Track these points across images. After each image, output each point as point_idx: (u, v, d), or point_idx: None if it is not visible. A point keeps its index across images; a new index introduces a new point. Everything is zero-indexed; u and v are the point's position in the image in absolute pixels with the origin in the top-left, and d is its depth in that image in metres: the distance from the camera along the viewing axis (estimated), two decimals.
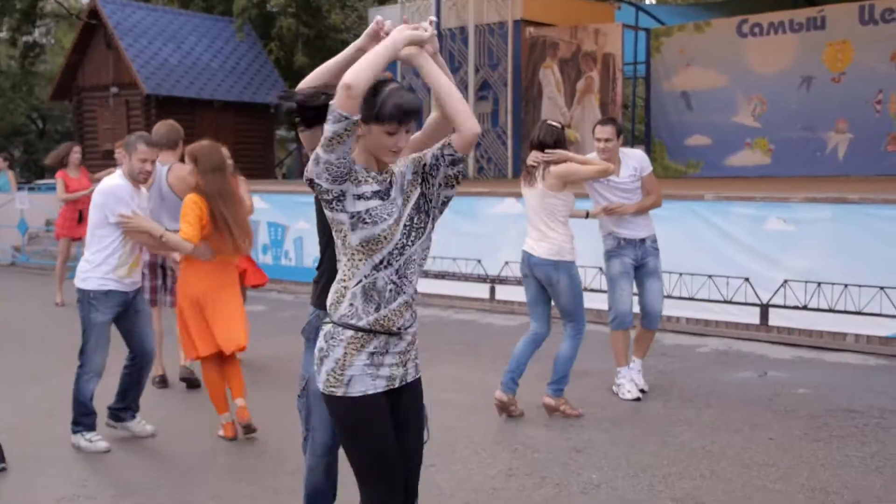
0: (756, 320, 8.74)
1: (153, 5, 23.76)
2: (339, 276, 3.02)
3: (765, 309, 8.68)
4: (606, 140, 6.42)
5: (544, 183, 6.08)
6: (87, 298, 5.57)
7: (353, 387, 3.01)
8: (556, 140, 6.09)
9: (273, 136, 25.40)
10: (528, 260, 6.23)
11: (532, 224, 6.25)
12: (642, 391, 6.75)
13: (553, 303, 6.29)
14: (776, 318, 8.62)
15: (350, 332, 2.98)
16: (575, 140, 15.82)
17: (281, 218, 12.61)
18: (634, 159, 6.67)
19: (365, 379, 3.02)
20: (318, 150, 2.85)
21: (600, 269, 9.54)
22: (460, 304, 10.97)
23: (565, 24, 17.63)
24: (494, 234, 10.73)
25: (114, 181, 5.63)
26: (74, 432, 5.72)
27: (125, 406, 5.91)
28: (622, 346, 6.75)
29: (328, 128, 2.83)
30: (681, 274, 9.01)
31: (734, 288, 8.84)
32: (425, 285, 11.31)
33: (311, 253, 12.16)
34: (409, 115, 2.99)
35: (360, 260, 2.97)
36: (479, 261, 10.86)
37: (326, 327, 3.03)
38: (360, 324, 2.98)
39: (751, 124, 16.55)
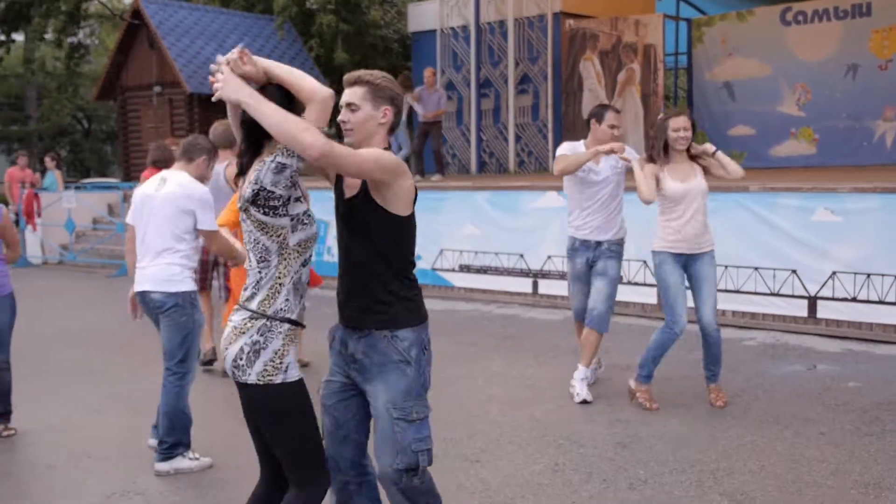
0: (804, 313, 8.62)
1: (195, 5, 23.95)
2: (272, 275, 3.18)
3: (813, 301, 8.56)
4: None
5: None
6: (188, 300, 5.30)
7: (290, 373, 3.21)
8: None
9: None
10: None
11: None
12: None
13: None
14: (824, 311, 8.50)
15: (287, 325, 3.19)
16: None
17: (322, 214, 12.64)
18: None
19: (295, 366, 3.24)
20: (286, 160, 3.06)
21: (644, 262, 9.47)
22: (503, 298, 10.95)
23: (605, 15, 17.50)
24: (537, 228, 10.69)
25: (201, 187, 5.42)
26: (172, 457, 5.23)
27: None
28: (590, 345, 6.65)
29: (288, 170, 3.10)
30: (726, 266, 8.91)
31: (781, 280, 8.72)
32: (468, 280, 11.32)
33: None
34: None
35: (294, 259, 3.20)
36: (521, 255, 10.82)
37: (258, 322, 3.17)
38: (293, 317, 3.22)
39: (795, 114, 16.31)
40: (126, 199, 16.96)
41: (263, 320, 3.16)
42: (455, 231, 11.46)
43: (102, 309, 11.27)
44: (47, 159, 18.41)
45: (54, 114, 35.26)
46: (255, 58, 3.11)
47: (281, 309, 3.18)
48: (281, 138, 3.01)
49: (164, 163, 10.28)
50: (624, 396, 6.52)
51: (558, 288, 10.49)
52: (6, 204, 17.27)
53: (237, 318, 3.22)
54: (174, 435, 5.23)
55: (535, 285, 10.74)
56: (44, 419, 6.37)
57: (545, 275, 10.63)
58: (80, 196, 17.64)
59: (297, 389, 3.22)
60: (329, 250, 12.61)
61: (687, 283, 6.24)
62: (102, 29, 33.29)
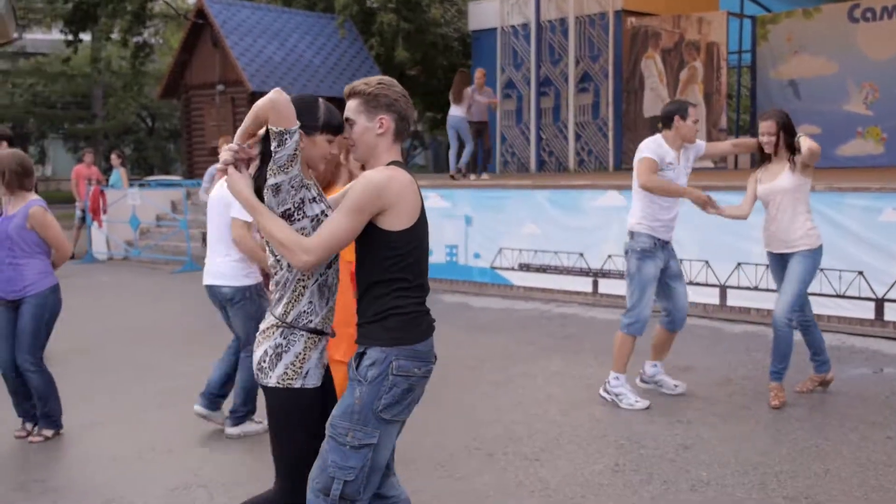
0: (871, 315, 8.44)
1: (257, 4, 24.21)
2: (295, 276, 3.21)
3: (880, 303, 8.38)
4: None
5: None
6: (255, 293, 5.70)
7: (309, 380, 3.23)
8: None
9: None
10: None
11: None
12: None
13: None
14: (892, 313, 8.31)
15: (309, 329, 3.22)
16: None
17: None
18: (692, 149, 6.54)
19: (317, 373, 3.25)
20: (276, 178, 3.08)
21: (706, 262, 9.36)
22: (562, 297, 10.89)
23: (667, 13, 17.34)
24: (597, 227, 10.62)
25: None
26: (242, 422, 5.84)
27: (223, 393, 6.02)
28: (629, 353, 6.47)
29: (285, 151, 3.06)
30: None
31: (847, 282, 8.55)
32: (527, 279, 11.29)
33: None
34: (342, 127, 3.28)
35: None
36: (581, 254, 10.76)
37: (280, 329, 3.22)
38: (316, 320, 3.24)
39: (862, 112, 16.00)
40: (189, 196, 17.22)
41: (284, 326, 3.22)
42: (515, 230, 11.44)
43: (166, 304, 11.45)
44: (113, 157, 18.75)
45: (119, 112, 35.97)
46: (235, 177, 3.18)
47: (303, 312, 3.22)
48: (279, 250, 3.12)
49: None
50: (684, 398, 6.44)
51: (618, 287, 10.40)
52: (73, 200, 17.64)
53: (265, 323, 3.28)
54: (249, 404, 5.81)
55: (595, 284, 10.68)
56: (109, 412, 6.49)
57: (605, 274, 10.55)
58: (145, 193, 17.95)
59: (313, 397, 3.25)
60: None
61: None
62: (167, 28, 33.80)
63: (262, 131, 3.15)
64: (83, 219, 17.12)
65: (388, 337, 3.15)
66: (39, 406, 5.92)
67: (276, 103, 3.03)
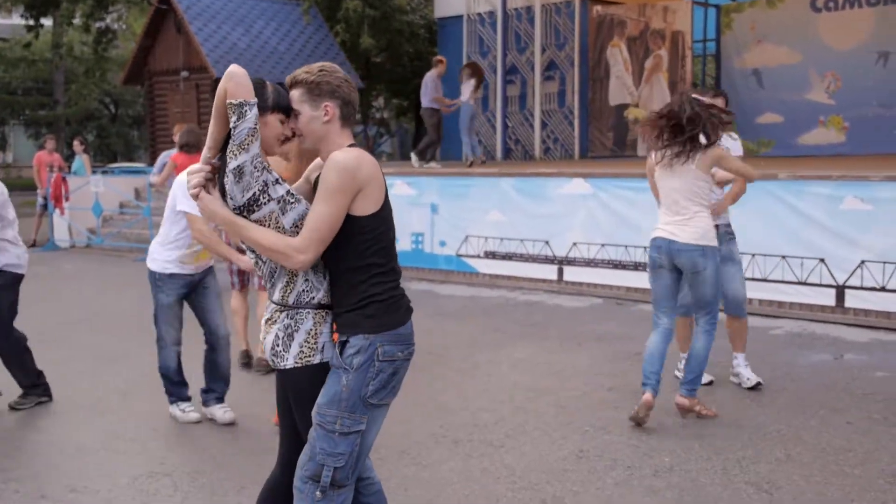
0: (832, 302, 8.55)
1: None
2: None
3: (841, 290, 8.49)
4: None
5: (698, 163, 5.50)
6: (153, 279, 5.81)
7: (326, 353, 3.22)
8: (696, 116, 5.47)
9: None
10: (669, 247, 5.58)
11: (671, 209, 5.63)
12: (759, 384, 6.41)
13: (683, 293, 5.98)
14: (853, 300, 8.43)
15: (313, 306, 3.20)
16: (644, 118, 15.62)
17: None
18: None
19: (331, 346, 3.22)
20: (238, 159, 3.03)
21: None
22: (528, 285, 10.93)
23: (633, 1, 17.42)
24: (563, 214, 10.66)
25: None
26: (170, 403, 5.98)
27: (207, 388, 5.96)
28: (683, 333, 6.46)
29: (245, 123, 3.02)
30: (754, 255, 8.85)
31: (809, 269, 8.66)
32: (493, 266, 11.31)
33: None
34: (291, 109, 3.25)
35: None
36: (546, 242, 10.80)
37: (286, 310, 3.20)
38: (319, 296, 3.21)
39: (825, 101, 16.18)
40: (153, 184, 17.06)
41: (288, 309, 3.20)
42: (480, 217, 11.45)
43: (130, 293, 11.34)
44: (75, 143, 18.53)
45: (82, 98, 35.50)
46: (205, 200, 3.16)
47: (303, 291, 3.20)
48: (270, 256, 3.13)
49: (194, 147, 10.34)
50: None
51: (584, 275, 10.47)
52: (35, 188, 17.42)
53: (267, 312, 3.27)
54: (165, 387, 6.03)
55: (561, 272, 10.72)
56: (73, 401, 6.43)
57: (570, 262, 10.60)
58: (108, 180, 17.76)
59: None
60: None
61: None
62: (130, 14, 33.36)
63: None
64: (45, 206, 16.91)
65: (370, 324, 3.15)
66: None
67: (233, 74, 3.03)
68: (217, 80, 20.88)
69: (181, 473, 5.01)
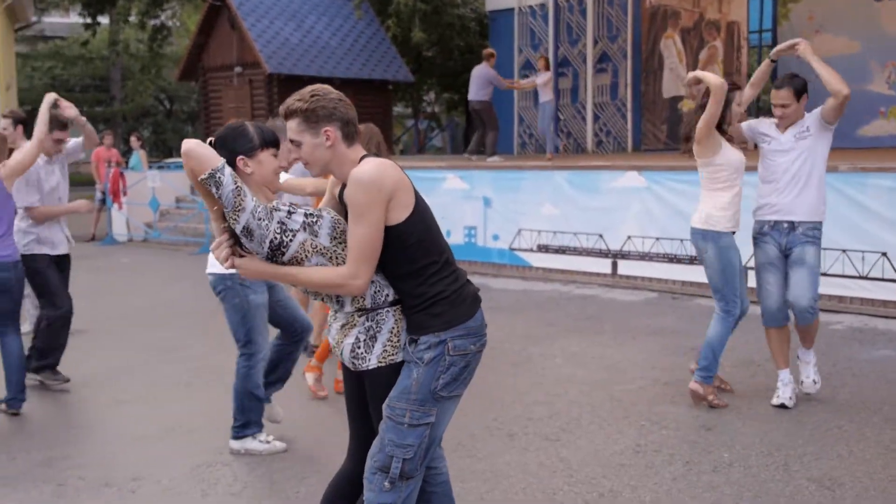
0: (894, 297, 8.38)
1: None
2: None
3: None
4: (783, 106, 5.69)
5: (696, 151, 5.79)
6: (234, 283, 5.07)
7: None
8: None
9: (391, 112, 25.60)
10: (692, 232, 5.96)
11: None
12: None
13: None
14: None
15: (389, 304, 3.19)
16: None
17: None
18: (809, 116, 5.76)
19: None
20: (240, 222, 3.03)
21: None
22: (581, 279, 10.87)
23: None
24: (616, 208, 10.58)
25: None
26: (241, 437, 5.22)
27: (275, 380, 5.57)
28: (774, 346, 5.91)
29: (225, 188, 3.01)
30: None
31: (870, 263, 8.49)
32: (546, 260, 11.27)
33: None
34: (278, 139, 3.36)
35: (342, 249, 3.14)
36: (600, 235, 10.73)
37: (363, 315, 3.19)
38: (390, 292, 3.21)
39: (885, 92, 15.83)
40: None
41: (365, 312, 3.19)
42: (533, 211, 11.41)
43: (185, 285, 11.49)
44: (132, 139, 18.80)
45: (138, 95, 36.01)
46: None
47: (375, 293, 3.18)
48: (327, 291, 3.15)
49: None
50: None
51: (638, 269, 10.38)
52: (94, 183, 17.72)
53: (339, 321, 3.24)
54: (247, 415, 5.22)
55: (615, 266, 10.64)
56: (132, 392, 6.53)
57: (625, 255, 10.52)
58: (164, 175, 17.99)
59: None
60: None
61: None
62: (184, 11, 33.75)
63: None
64: (103, 201, 17.18)
65: (438, 323, 3.16)
66: None
67: (188, 152, 3.04)
68: (270, 76, 21.10)
69: (240, 464, 5.07)
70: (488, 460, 5.02)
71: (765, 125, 5.92)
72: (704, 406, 5.85)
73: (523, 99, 18.97)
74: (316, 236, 3.11)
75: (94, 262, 14.03)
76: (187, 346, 7.93)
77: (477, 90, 14.14)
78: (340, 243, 3.14)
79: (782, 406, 5.75)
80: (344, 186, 3.20)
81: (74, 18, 30.43)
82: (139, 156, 18.24)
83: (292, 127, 3.15)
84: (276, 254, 3.10)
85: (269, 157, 3.25)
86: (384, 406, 3.19)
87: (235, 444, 5.24)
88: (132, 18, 25.75)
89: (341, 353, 3.27)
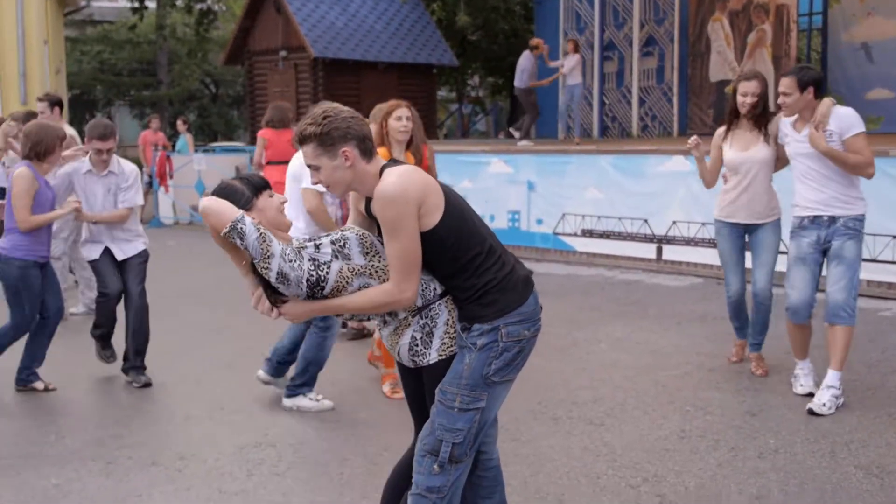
0: None
1: None
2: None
3: None
4: (784, 94, 5.61)
5: None
6: None
7: None
8: None
9: (435, 96, 25.60)
10: None
11: None
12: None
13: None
14: None
15: (439, 297, 3.18)
16: None
17: (445, 177, 12.67)
18: (838, 118, 5.44)
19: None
20: (272, 268, 3.00)
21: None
22: (626, 263, 10.81)
23: None
24: (662, 192, 10.49)
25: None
26: (294, 395, 5.67)
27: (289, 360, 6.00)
28: (793, 339, 5.85)
29: (249, 238, 2.99)
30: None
31: None
32: (590, 245, 11.22)
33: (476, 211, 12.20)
34: (266, 181, 3.28)
35: (378, 260, 3.13)
36: (645, 220, 10.65)
37: (416, 314, 3.18)
38: (438, 285, 3.19)
39: None
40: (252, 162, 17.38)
41: (416, 310, 3.18)
42: (578, 195, 11.35)
43: (231, 268, 11.50)
44: (179, 123, 18.98)
45: (184, 79, 36.30)
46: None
47: (423, 291, 3.17)
48: (379, 312, 3.15)
49: (279, 122, 10.62)
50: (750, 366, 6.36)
51: (683, 254, 10.30)
52: (141, 166, 17.92)
53: (391, 326, 3.23)
54: (305, 377, 5.64)
55: (660, 251, 10.57)
56: (179, 373, 6.61)
57: (670, 240, 10.44)
58: (210, 159, 18.15)
59: None
60: None
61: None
62: None
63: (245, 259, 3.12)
64: (150, 184, 17.37)
65: (490, 312, 3.15)
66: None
67: (206, 210, 3.03)
68: (315, 60, 21.18)
69: (285, 444, 5.12)
70: (532, 444, 5.02)
71: (784, 124, 5.89)
72: (749, 392, 5.82)
73: (608, 81, 18.81)
74: (350, 259, 3.09)
75: None
76: (233, 328, 8.01)
77: (518, 77, 14.41)
78: (374, 256, 3.12)
79: (809, 395, 5.62)
80: (369, 200, 3.19)
81: (122, 3, 30.69)
82: (185, 139, 18.40)
83: (308, 152, 3.09)
84: (315, 290, 3.06)
85: (267, 201, 3.19)
86: (436, 390, 3.20)
87: (288, 402, 5.66)
88: (179, 3, 25.97)
89: (398, 354, 3.27)
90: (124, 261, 6.41)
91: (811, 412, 5.36)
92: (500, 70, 27.80)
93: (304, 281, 3.03)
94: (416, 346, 3.20)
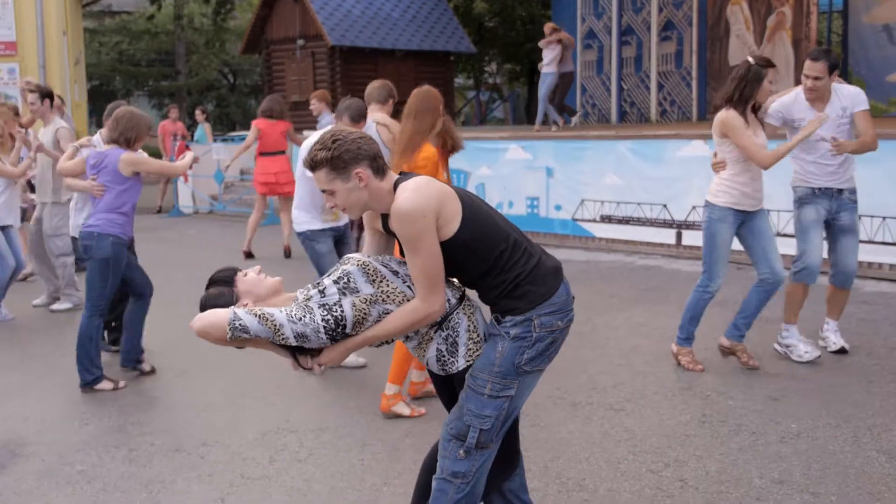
0: None
1: None
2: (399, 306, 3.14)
3: None
4: (816, 78, 5.73)
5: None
6: (305, 238, 6.39)
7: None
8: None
9: (452, 84, 25.56)
10: None
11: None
12: (843, 350, 6.24)
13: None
14: None
15: (455, 306, 3.19)
16: None
17: (463, 164, 12.69)
18: (845, 97, 5.89)
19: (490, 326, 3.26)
20: (289, 337, 3.00)
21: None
22: (645, 249, 10.78)
23: None
24: (681, 177, 10.44)
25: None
26: None
27: None
28: (800, 300, 6.12)
29: (253, 328, 3.01)
30: (884, 218, 8.51)
31: None
32: (609, 231, 11.19)
33: (494, 199, 12.21)
34: (234, 270, 3.32)
35: (388, 283, 3.11)
36: (664, 205, 10.61)
37: (436, 327, 3.17)
38: (451, 293, 3.20)
39: None
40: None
41: (439, 325, 3.18)
42: (596, 181, 11.31)
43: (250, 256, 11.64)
44: (197, 112, 19.04)
45: (202, 69, 36.45)
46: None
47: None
48: (412, 329, 3.11)
49: (277, 113, 11.03)
50: (769, 351, 6.33)
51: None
52: (160, 156, 17.99)
53: (414, 341, 3.23)
54: None
55: (679, 236, 10.53)
56: (199, 361, 6.65)
57: (689, 226, 10.39)
58: (228, 148, 18.19)
59: None
60: None
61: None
62: None
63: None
64: None
65: (522, 304, 3.15)
66: None
67: (201, 331, 3.05)
68: (333, 49, 21.17)
69: (305, 430, 5.14)
70: (552, 429, 5.03)
71: (796, 110, 5.90)
72: (771, 377, 5.80)
73: (586, 69, 18.77)
74: (358, 292, 3.06)
75: (161, 233, 14.28)
76: None
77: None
78: (381, 281, 3.10)
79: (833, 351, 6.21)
80: (385, 216, 3.19)
81: None
82: (204, 129, 18.46)
83: (321, 178, 3.08)
84: (338, 332, 3.05)
85: (245, 282, 3.19)
86: (467, 375, 3.20)
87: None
88: None
89: (427, 364, 3.28)
90: None
91: (844, 350, 6.23)
92: (517, 57, 27.73)
93: (322, 330, 3.01)
94: (444, 356, 3.20)
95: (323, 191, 3.13)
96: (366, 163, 3.07)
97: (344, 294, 3.05)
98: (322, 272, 6.12)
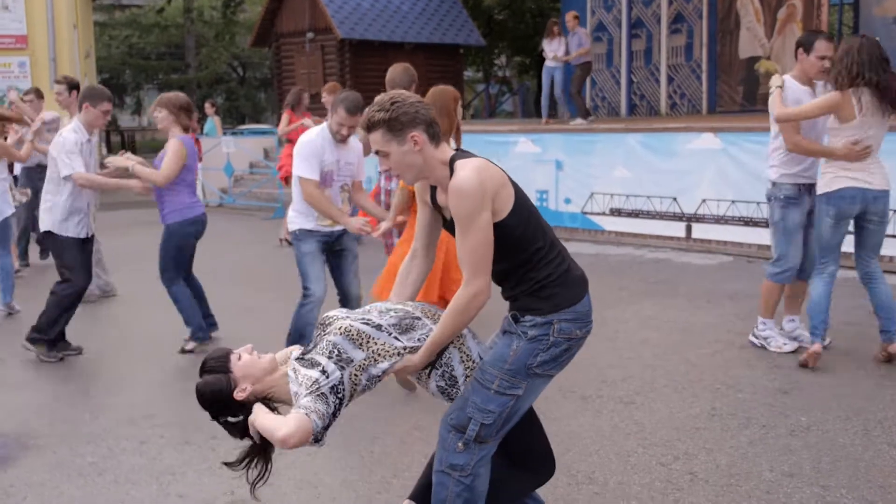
0: None
1: None
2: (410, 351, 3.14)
3: None
4: (831, 59, 5.72)
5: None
6: (294, 238, 6.19)
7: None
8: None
9: (462, 77, 25.52)
10: (864, 195, 5.67)
11: (873, 156, 5.69)
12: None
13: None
14: None
15: None
16: (776, 72, 15.07)
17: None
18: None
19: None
20: (309, 407, 2.92)
21: None
22: (655, 242, 10.76)
23: None
24: (691, 170, 10.42)
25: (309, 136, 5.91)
26: None
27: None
28: (778, 299, 6.23)
29: (268, 415, 3.06)
30: (894, 211, 8.46)
31: None
32: (619, 224, 11.17)
33: None
34: (226, 356, 3.32)
35: (375, 341, 3.08)
36: (674, 198, 10.59)
37: (428, 367, 3.20)
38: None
39: None
40: (281, 144, 17.42)
41: (432, 365, 3.20)
42: (606, 174, 11.30)
43: (260, 249, 11.65)
44: (207, 106, 19.06)
45: (212, 62, 36.45)
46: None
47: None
48: (469, 318, 3.10)
49: (297, 105, 11.29)
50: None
51: (713, 232, 10.24)
52: None
53: (414, 375, 3.25)
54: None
55: (689, 229, 10.50)
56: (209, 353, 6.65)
57: (699, 219, 10.37)
58: (238, 141, 18.22)
59: None
60: None
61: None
62: None
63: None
64: None
65: (546, 305, 3.14)
66: None
67: (299, 445, 2.93)
68: (342, 42, 21.16)
69: None
70: (561, 422, 5.02)
71: (802, 93, 5.90)
72: (781, 370, 5.79)
73: (597, 62, 18.73)
74: (352, 361, 3.02)
75: None
76: (262, 308, 8.06)
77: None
78: (368, 342, 3.05)
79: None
80: (433, 189, 3.19)
81: None
82: (213, 122, 18.49)
83: (377, 139, 3.08)
84: (374, 381, 3.06)
85: (241, 367, 3.18)
86: (476, 368, 3.21)
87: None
88: None
89: (433, 395, 3.32)
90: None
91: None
92: (526, 50, 27.66)
93: (333, 410, 2.98)
94: (446, 390, 3.24)
95: (377, 152, 3.12)
96: (422, 127, 3.07)
97: (343, 368, 3.01)
98: (303, 273, 5.95)
